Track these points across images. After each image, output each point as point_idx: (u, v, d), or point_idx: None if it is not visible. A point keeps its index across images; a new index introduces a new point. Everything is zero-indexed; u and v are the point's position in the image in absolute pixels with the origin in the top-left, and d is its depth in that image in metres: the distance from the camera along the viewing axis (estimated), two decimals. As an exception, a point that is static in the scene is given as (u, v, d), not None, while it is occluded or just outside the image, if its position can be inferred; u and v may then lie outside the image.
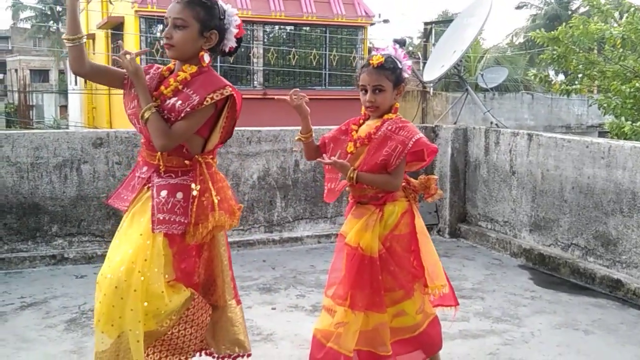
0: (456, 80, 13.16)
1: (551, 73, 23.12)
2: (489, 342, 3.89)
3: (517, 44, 36.95)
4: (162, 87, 2.67)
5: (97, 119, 20.77)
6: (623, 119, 10.42)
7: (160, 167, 2.70)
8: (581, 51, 11.93)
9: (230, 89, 2.67)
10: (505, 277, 5.18)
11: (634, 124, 9.99)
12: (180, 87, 2.65)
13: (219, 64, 16.55)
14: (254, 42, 16.58)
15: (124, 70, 2.67)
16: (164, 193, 2.67)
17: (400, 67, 3.08)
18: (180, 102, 2.62)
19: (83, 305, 4.40)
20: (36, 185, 5.24)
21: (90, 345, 3.72)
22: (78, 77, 25.14)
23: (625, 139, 9.54)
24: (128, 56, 2.60)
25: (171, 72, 2.76)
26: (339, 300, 3.06)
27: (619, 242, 4.80)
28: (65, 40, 2.61)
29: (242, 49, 16.78)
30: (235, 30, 2.75)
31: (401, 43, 8.67)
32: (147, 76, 2.74)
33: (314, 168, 6.07)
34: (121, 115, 17.58)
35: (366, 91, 3.06)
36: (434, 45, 17.67)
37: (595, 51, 12.53)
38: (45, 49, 44.30)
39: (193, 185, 2.69)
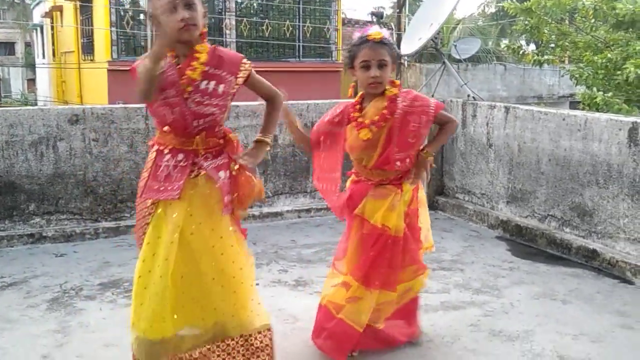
0: (431, 51, 13.17)
1: (522, 43, 23.21)
2: (469, 313, 3.96)
3: (488, 13, 36.96)
4: (189, 72, 2.61)
5: (67, 93, 20.40)
6: (595, 89, 10.53)
7: (200, 151, 2.68)
8: (553, 22, 12.01)
9: (246, 62, 2.72)
10: (484, 249, 5.26)
11: (605, 95, 10.11)
12: (205, 68, 2.63)
13: (191, 36, 16.29)
14: (227, 14, 16.35)
15: None
16: (222, 174, 2.69)
17: (394, 43, 3.12)
18: (221, 85, 2.64)
19: (64, 284, 4.38)
20: (12, 163, 5.16)
21: (74, 324, 3.73)
22: (46, 50, 24.64)
23: (597, 109, 9.67)
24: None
25: (177, 57, 2.66)
26: (358, 275, 3.16)
27: (595, 213, 4.89)
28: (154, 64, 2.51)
29: (214, 20, 16.55)
30: None
31: (378, 15, 8.63)
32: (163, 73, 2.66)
33: (293, 143, 6.06)
34: (92, 89, 17.31)
35: (368, 67, 3.03)
36: (407, 16, 17.64)
37: (567, 22, 12.61)
38: (10, 21, 43.20)
39: (234, 166, 2.73)
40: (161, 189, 2.67)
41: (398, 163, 3.12)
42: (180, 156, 2.68)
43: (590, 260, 4.81)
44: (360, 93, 3.20)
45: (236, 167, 2.75)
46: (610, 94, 10.24)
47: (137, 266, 2.68)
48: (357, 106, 3.16)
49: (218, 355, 2.81)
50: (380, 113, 3.08)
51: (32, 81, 35.56)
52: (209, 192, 2.68)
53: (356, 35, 3.16)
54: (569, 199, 5.10)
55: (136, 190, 5.59)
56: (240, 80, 2.70)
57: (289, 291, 4.31)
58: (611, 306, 4.08)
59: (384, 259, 3.14)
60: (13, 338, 3.56)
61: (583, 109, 10.27)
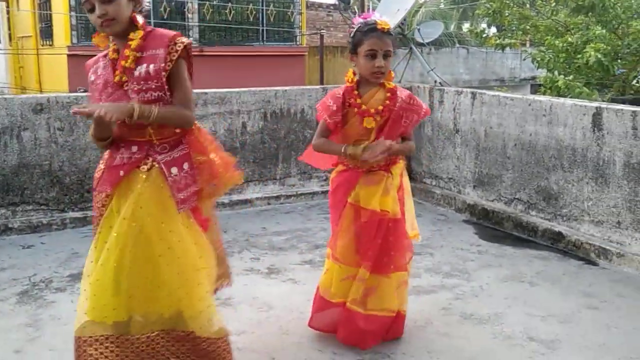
0: (396, 37, 13.20)
1: (483, 26, 23.42)
2: (441, 297, 4.03)
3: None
4: (122, 62, 2.55)
5: (25, 79, 19.91)
6: (556, 72, 10.72)
7: (154, 141, 2.61)
8: (515, 5, 12.16)
9: (182, 37, 2.60)
10: (452, 233, 5.34)
11: (566, 78, 10.30)
12: (138, 54, 2.55)
13: (152, 20, 16.07)
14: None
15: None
16: (174, 170, 2.62)
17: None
18: (151, 65, 2.53)
19: (33, 276, 4.32)
20: (-26, 154, 5.05)
21: (45, 317, 3.69)
22: (1, 35, 24.00)
23: (558, 92, 9.85)
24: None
25: (118, 51, 2.61)
26: (370, 265, 3.19)
27: (560, 197, 5.00)
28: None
29: (175, 4, 16.34)
30: None
31: (346, 2, 8.62)
32: (100, 68, 2.63)
33: (262, 130, 6.05)
34: (51, 75, 16.94)
35: (373, 56, 3.04)
36: (371, 0, 17.64)
37: (528, 6, 12.77)
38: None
39: (199, 157, 2.68)
40: (110, 180, 2.64)
41: (378, 155, 3.13)
42: (134, 148, 2.63)
43: (555, 243, 4.93)
44: (354, 79, 3.19)
45: (202, 158, 2.71)
46: (571, 77, 10.45)
47: (89, 252, 2.69)
48: (355, 92, 3.17)
49: (166, 342, 2.75)
50: (385, 104, 3.14)
51: (-13, 66, 34.63)
52: (162, 185, 2.62)
53: (358, 20, 3.15)
54: (535, 182, 5.21)
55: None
56: (174, 56, 2.55)
57: (262, 279, 4.32)
58: (577, 287, 4.19)
59: (390, 242, 3.20)
60: (-17, 333, 3.51)
61: (544, 92, 10.46)
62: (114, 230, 2.58)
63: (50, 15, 16.27)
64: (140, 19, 2.59)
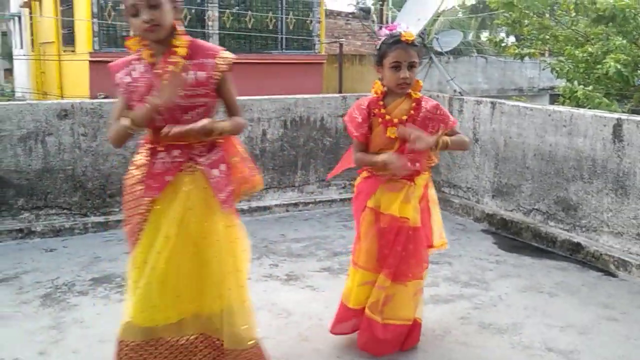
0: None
1: (501, 35, 23.37)
2: (459, 306, 4.04)
3: (468, 6, 37.16)
4: (171, 66, 2.61)
5: (46, 85, 20.15)
6: (576, 83, 10.69)
7: (195, 145, 2.70)
8: (534, 15, 12.14)
9: (226, 51, 2.73)
10: (470, 242, 5.34)
11: (585, 89, 10.26)
12: (185, 62, 2.64)
13: (173, 28, 16.19)
14: (209, 5, 16.28)
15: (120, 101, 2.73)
16: (215, 172, 2.72)
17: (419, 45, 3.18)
18: (201, 73, 2.64)
19: (56, 279, 4.39)
20: (0, 158, 5.14)
21: (68, 320, 3.75)
22: (24, 40, 24.33)
23: (577, 103, 9.81)
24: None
25: (153, 55, 2.68)
26: (391, 272, 3.22)
27: (579, 207, 5.00)
28: (131, 127, 2.61)
29: (196, 12, 16.47)
30: None
31: (366, 11, 8.67)
32: (137, 71, 2.68)
33: (282, 137, 6.10)
34: (72, 81, 17.14)
35: (398, 68, 3.08)
36: (390, 9, 17.68)
37: (547, 15, 12.74)
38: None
39: (234, 158, 2.79)
40: (157, 185, 2.70)
41: (417, 164, 3.20)
42: (176, 152, 2.70)
43: (574, 254, 4.92)
44: (382, 90, 3.22)
45: (235, 159, 2.81)
46: (590, 87, 10.40)
47: (133, 258, 2.73)
48: (381, 102, 3.21)
49: (204, 347, 2.83)
50: (409, 114, 3.16)
51: (8, 71, 35.04)
52: (206, 186, 2.72)
53: (384, 32, 3.19)
54: (554, 193, 5.20)
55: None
56: (221, 67, 2.67)
57: (281, 285, 4.36)
58: (596, 298, 4.19)
59: (409, 250, 3.22)
60: (8, 334, 3.58)
61: (563, 102, 10.42)
62: (162, 234, 2.66)
63: (73, 21, 16.48)
64: (180, 27, 2.68)
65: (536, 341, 3.55)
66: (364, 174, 3.34)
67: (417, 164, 3.21)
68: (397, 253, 3.21)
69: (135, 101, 2.66)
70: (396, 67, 3.07)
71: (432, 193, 3.42)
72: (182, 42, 2.66)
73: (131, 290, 2.74)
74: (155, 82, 2.62)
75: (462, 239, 5.44)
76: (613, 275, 4.59)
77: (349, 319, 3.40)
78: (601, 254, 4.72)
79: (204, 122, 2.59)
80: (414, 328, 3.42)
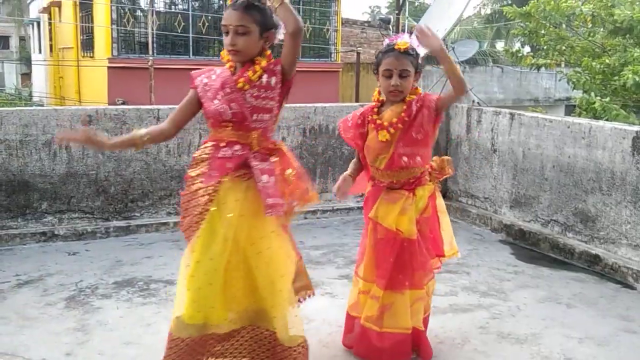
0: (430, 54, 13.26)
1: (517, 45, 23.34)
2: (478, 316, 4.06)
3: (483, 15, 37.18)
4: (249, 73, 2.78)
5: (65, 89, 20.39)
6: (593, 94, 10.68)
7: (254, 147, 2.83)
8: (551, 26, 12.15)
9: None
10: (488, 252, 5.37)
11: (603, 100, 10.25)
12: (263, 72, 2.80)
13: (190, 35, 16.37)
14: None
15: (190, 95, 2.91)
16: (265, 177, 2.81)
17: (419, 53, 3.21)
18: (272, 78, 2.79)
19: (80, 282, 4.46)
20: (25, 162, 5.24)
21: (93, 322, 3.82)
22: (43, 45, 24.60)
23: (594, 114, 9.80)
24: None
25: (234, 67, 2.87)
26: (383, 282, 3.25)
27: (598, 219, 5.01)
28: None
29: (213, 19, 16.60)
30: (282, 24, 2.85)
31: (386, 22, 8.73)
32: (215, 73, 2.87)
33: (300, 145, 6.16)
34: (90, 86, 17.33)
35: (390, 76, 3.15)
36: (407, 18, 17.74)
37: (564, 26, 12.76)
38: (4, 17, 43.01)
39: (289, 171, 2.87)
40: (216, 174, 2.85)
41: (405, 159, 3.21)
42: (237, 147, 2.84)
43: (592, 265, 4.93)
44: (379, 98, 3.32)
45: (292, 173, 2.90)
46: (607, 99, 10.38)
47: (187, 256, 2.84)
48: (376, 109, 3.29)
49: (249, 339, 2.95)
50: (399, 116, 3.20)
51: (26, 75, 35.44)
52: (257, 193, 2.83)
53: (386, 42, 3.28)
54: (572, 204, 5.22)
55: (147, 190, 5.70)
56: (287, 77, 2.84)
57: (300, 292, 4.39)
58: (614, 310, 4.20)
59: (404, 260, 3.24)
60: (35, 335, 3.65)
61: (580, 113, 10.41)
62: (220, 236, 2.77)
63: (92, 27, 16.67)
64: (268, 52, 2.85)
65: (555, 352, 3.57)
66: (370, 182, 3.41)
67: (405, 159, 3.22)
68: (390, 263, 3.23)
69: (207, 99, 2.83)
70: (388, 75, 3.15)
71: (440, 202, 3.45)
72: (264, 59, 2.81)
73: (185, 287, 2.84)
74: (229, 79, 2.80)
75: (479, 249, 5.47)
76: (631, 287, 4.60)
77: (352, 323, 3.45)
78: (619, 266, 4.73)
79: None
80: (418, 338, 3.41)
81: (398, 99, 3.21)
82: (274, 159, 2.87)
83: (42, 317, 3.90)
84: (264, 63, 2.80)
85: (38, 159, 5.27)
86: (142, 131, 2.89)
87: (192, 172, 2.90)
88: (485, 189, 6.14)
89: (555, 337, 3.76)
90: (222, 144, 2.85)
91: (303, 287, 3.14)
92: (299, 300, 3.11)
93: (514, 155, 5.79)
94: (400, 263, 3.24)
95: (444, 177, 3.48)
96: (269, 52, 2.85)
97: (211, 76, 2.89)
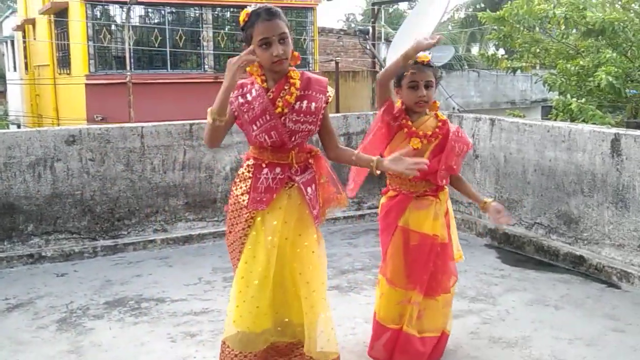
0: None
1: (492, 49, 23.56)
2: (469, 321, 4.12)
3: (458, 20, 37.53)
4: (287, 97, 2.83)
5: (42, 108, 20.24)
6: (569, 96, 10.84)
7: (294, 165, 2.90)
8: (525, 29, 12.33)
9: (330, 87, 2.97)
10: (474, 257, 5.43)
11: (579, 101, 10.41)
12: (298, 92, 2.85)
13: (167, 49, 16.35)
14: (204, 25, 16.42)
15: (229, 111, 2.81)
16: (309, 189, 2.92)
17: (436, 67, 3.35)
18: (312, 104, 2.86)
19: (70, 304, 4.45)
20: (10, 185, 5.22)
21: (86, 343, 3.81)
22: (18, 63, 24.39)
23: (571, 115, 9.96)
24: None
25: (266, 81, 2.87)
26: (423, 288, 3.35)
27: (581, 221, 5.11)
28: (213, 119, 2.72)
29: (191, 32, 16.60)
30: None
31: (365, 32, 8.81)
32: (251, 94, 2.84)
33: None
34: (68, 103, 17.22)
35: (416, 87, 3.25)
36: (383, 25, 17.87)
37: (537, 29, 12.94)
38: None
39: (324, 178, 2.98)
40: (263, 199, 2.91)
41: (443, 181, 3.37)
42: (278, 170, 2.90)
43: (577, 266, 5.02)
44: (401, 108, 3.37)
45: (324, 179, 3.02)
46: (583, 100, 10.54)
47: (240, 267, 2.92)
48: (407, 116, 3.36)
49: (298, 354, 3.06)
50: (434, 131, 3.33)
51: (1, 94, 35.07)
52: (300, 202, 2.93)
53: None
54: (555, 207, 5.31)
55: (133, 208, 5.70)
56: (329, 98, 2.94)
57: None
58: (601, 310, 4.28)
59: (438, 266, 3.37)
60: (29, 360, 3.64)
61: (557, 115, 10.57)
62: (267, 243, 2.86)
63: (68, 44, 16.58)
64: (296, 54, 2.90)
65: (545, 354, 3.64)
66: (390, 193, 3.45)
67: (443, 181, 3.38)
68: (429, 269, 3.34)
69: (245, 122, 2.86)
70: (414, 86, 3.25)
71: (449, 206, 3.57)
72: (297, 74, 2.87)
73: (237, 299, 2.91)
74: (268, 106, 2.82)
75: (466, 254, 5.42)
76: (616, 286, 4.69)
77: (384, 333, 3.48)
78: (604, 266, 4.82)
79: None
80: (441, 341, 3.54)
81: (423, 110, 3.34)
82: (310, 169, 2.97)
83: (35, 340, 3.89)
84: (298, 84, 2.84)
85: (22, 181, 5.25)
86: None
87: (236, 191, 2.96)
88: (469, 194, 6.21)
89: (545, 340, 3.83)
90: (263, 165, 2.91)
91: None
92: None
93: (495, 160, 5.87)
94: (435, 269, 3.36)
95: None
96: (296, 53, 2.86)
97: (246, 95, 2.85)
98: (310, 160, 2.98)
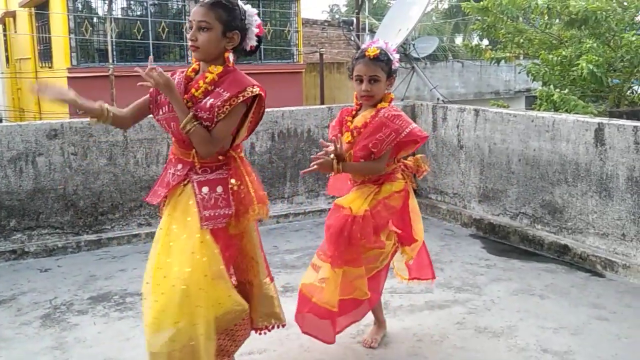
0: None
1: (475, 39, 23.64)
2: (454, 311, 4.13)
3: (442, 10, 37.56)
4: (193, 90, 2.77)
5: (23, 101, 20.03)
6: (552, 86, 10.89)
7: (196, 164, 2.83)
8: (508, 20, 12.35)
9: (257, 88, 2.78)
10: (460, 247, 5.45)
11: (562, 92, 10.45)
12: (209, 87, 2.77)
13: (150, 41, 16.23)
14: (186, 17, 16.30)
15: (146, 96, 2.85)
16: (205, 189, 2.82)
17: (392, 59, 3.29)
18: (212, 99, 2.74)
19: (54, 299, 4.40)
20: (-9, 180, 5.15)
21: (70, 339, 3.78)
22: (-2, 57, 24.07)
23: (555, 106, 10.01)
24: (154, 72, 2.66)
25: (196, 72, 2.86)
26: (323, 256, 3.34)
27: (565, 210, 5.13)
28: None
29: (174, 24, 16.49)
30: (255, 30, 2.87)
31: (349, 23, 8.79)
32: (174, 79, 2.82)
33: (270, 150, 6.17)
34: (50, 96, 17.04)
35: (361, 81, 3.26)
36: (367, 17, 17.84)
37: (521, 19, 12.96)
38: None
39: (233, 181, 2.85)
40: (157, 192, 2.93)
41: (362, 161, 3.29)
42: (180, 166, 2.87)
43: (562, 255, 5.05)
44: (358, 102, 3.42)
45: (237, 183, 2.87)
46: (566, 90, 10.59)
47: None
48: (353, 112, 3.40)
49: None
50: (364, 121, 3.30)
51: (-18, 88, 34.67)
52: (192, 202, 2.82)
53: (362, 48, 3.38)
54: (540, 196, 5.33)
55: (116, 203, 5.66)
56: (234, 101, 2.72)
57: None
58: (586, 299, 4.31)
59: (343, 237, 3.24)
60: (12, 356, 3.60)
61: (540, 104, 10.61)
62: (157, 234, 2.85)
63: (49, 37, 16.41)
64: (231, 57, 2.80)
65: (531, 343, 3.65)
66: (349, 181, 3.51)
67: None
68: (329, 236, 3.31)
69: (155, 106, 2.86)
70: (359, 80, 3.27)
71: (414, 205, 3.56)
72: (216, 70, 2.78)
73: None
74: (180, 87, 2.79)
75: (451, 244, 5.55)
76: (600, 275, 4.72)
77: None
78: (588, 255, 4.85)
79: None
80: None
81: (370, 104, 3.33)
82: (221, 171, 2.85)
83: (18, 337, 3.85)
84: (209, 78, 2.76)
85: (4, 176, 5.18)
86: (109, 107, 2.83)
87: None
88: (454, 185, 6.23)
89: (530, 329, 3.84)
90: (174, 160, 2.90)
91: (271, 315, 3.19)
92: (265, 327, 3.17)
93: (480, 151, 5.88)
94: (340, 239, 3.25)
95: (423, 174, 3.57)
96: (230, 58, 2.79)
97: (174, 77, 2.83)
98: (220, 167, 2.85)
